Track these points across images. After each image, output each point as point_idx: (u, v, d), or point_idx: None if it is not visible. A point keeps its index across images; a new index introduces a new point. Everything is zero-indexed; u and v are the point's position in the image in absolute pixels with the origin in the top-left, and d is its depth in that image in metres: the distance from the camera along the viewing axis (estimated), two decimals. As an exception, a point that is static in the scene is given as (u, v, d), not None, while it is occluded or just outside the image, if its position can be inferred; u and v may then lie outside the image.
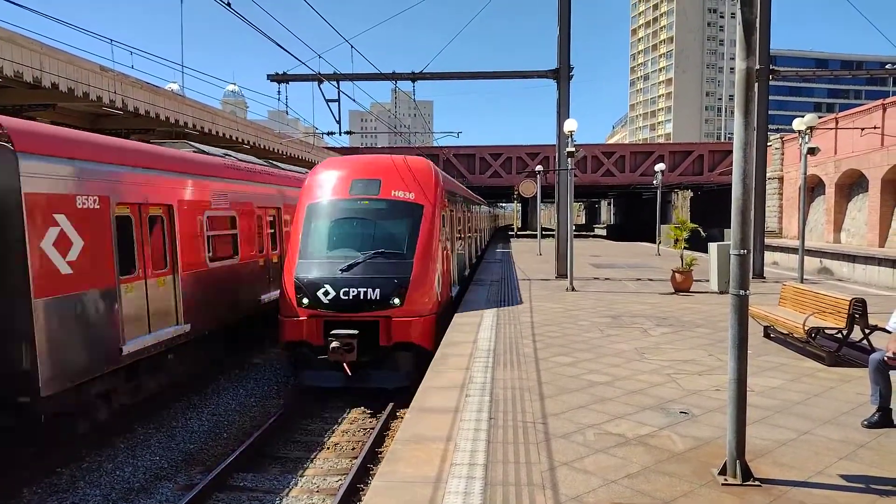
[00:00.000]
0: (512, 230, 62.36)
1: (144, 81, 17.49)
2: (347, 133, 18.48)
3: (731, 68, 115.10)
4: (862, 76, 47.27)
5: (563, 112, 18.69)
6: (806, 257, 18.84)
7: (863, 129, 27.52)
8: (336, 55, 15.64)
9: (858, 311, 8.36)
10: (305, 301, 10.39)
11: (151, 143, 11.72)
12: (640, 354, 9.33)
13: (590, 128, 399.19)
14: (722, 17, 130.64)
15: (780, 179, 38.69)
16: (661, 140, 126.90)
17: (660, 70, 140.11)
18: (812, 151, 16.77)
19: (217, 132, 22.25)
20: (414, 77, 18.26)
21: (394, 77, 18.08)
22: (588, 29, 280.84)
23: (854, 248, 29.06)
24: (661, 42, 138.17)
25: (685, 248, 17.61)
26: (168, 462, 8.36)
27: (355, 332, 9.97)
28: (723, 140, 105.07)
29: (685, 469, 5.19)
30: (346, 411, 10.26)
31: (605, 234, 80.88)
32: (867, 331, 8.55)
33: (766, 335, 10.37)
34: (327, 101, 15.67)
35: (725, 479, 4.92)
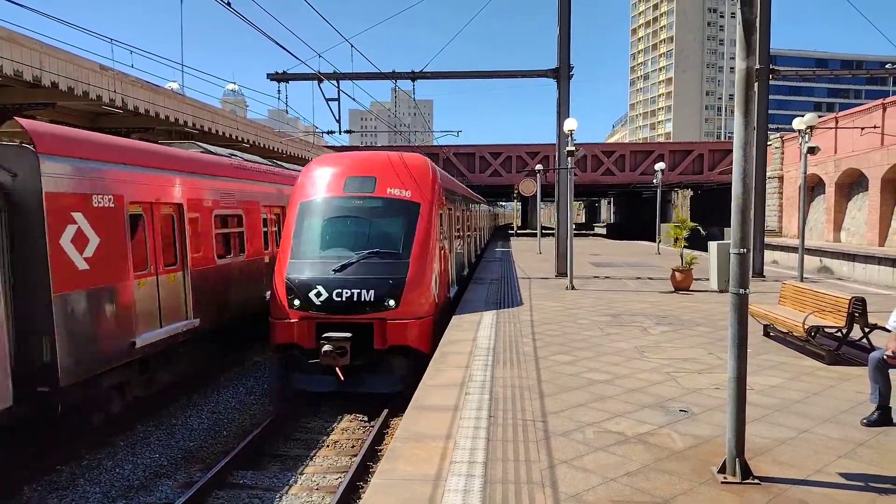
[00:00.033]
0: (512, 229, 62.41)
1: (144, 80, 17.53)
2: (347, 132, 18.48)
3: (731, 68, 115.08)
4: (862, 76, 47.19)
5: (563, 111, 18.71)
6: (806, 256, 18.85)
7: (863, 129, 27.53)
8: (336, 54, 15.63)
9: (858, 309, 8.37)
10: (297, 302, 9.95)
11: (160, 143, 11.80)
12: (640, 353, 9.33)
13: (590, 127, 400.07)
14: (722, 16, 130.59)
15: (780, 178, 38.71)
16: (661, 139, 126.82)
17: (660, 70, 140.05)
18: (812, 151, 16.77)
19: (217, 131, 22.27)
20: (414, 76, 18.26)
21: (394, 76, 18.07)
22: (588, 29, 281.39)
23: (854, 247, 29.08)
24: (661, 42, 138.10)
25: (685, 246, 17.60)
26: (168, 460, 8.38)
27: (348, 334, 9.56)
28: (723, 139, 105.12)
29: (685, 467, 5.19)
30: (347, 411, 10.21)
31: (604, 232, 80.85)
32: (867, 329, 8.57)
33: (766, 334, 10.37)
34: (327, 100, 15.66)
35: (725, 478, 4.92)
